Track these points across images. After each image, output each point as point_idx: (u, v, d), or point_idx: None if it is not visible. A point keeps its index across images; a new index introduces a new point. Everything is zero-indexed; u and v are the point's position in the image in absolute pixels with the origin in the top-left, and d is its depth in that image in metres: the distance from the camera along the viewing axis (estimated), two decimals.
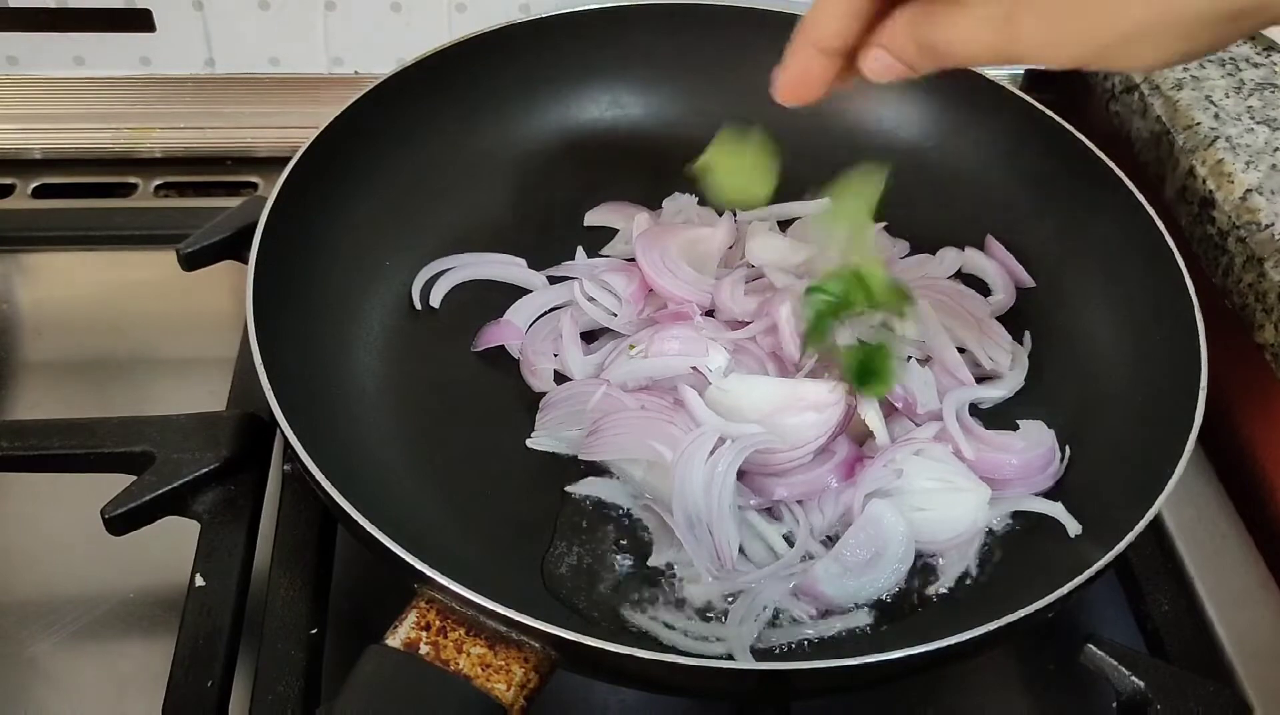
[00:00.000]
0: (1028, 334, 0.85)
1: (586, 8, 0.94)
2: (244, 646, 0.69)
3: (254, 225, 0.76)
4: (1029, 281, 0.88)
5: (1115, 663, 0.65)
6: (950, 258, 0.89)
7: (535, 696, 0.58)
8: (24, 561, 0.77)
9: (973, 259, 0.89)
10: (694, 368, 0.77)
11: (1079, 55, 0.54)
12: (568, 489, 0.75)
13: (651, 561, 0.71)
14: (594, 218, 0.93)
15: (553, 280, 0.87)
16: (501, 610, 0.58)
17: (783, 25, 0.95)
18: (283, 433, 0.65)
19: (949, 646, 0.59)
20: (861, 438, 0.76)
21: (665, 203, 0.93)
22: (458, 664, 0.58)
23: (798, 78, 0.64)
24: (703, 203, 0.93)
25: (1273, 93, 0.93)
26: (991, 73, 0.93)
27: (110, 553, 0.73)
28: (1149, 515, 0.65)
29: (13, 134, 1.04)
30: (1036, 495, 0.75)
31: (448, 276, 0.86)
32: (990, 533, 0.74)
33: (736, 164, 0.77)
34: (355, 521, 0.61)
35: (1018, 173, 0.91)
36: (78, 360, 0.90)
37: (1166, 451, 0.68)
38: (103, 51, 0.99)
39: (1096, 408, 0.79)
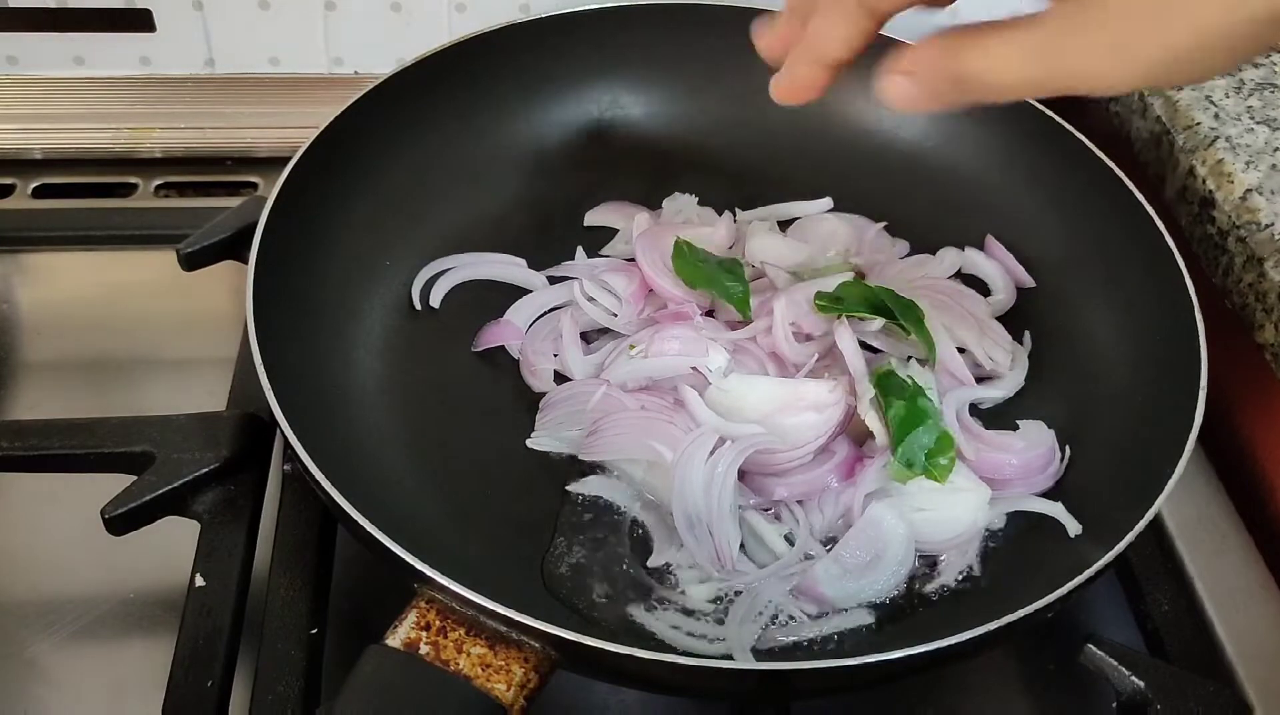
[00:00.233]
0: (1028, 334, 0.85)
1: (586, 8, 0.94)
2: (244, 646, 0.69)
3: (254, 225, 0.76)
4: (1029, 281, 0.88)
5: (1115, 663, 0.65)
6: (950, 258, 0.89)
7: (535, 696, 0.58)
8: (24, 561, 0.77)
9: (973, 259, 0.89)
10: (694, 368, 0.77)
11: (1140, 74, 0.48)
12: (568, 489, 0.75)
13: (651, 561, 0.71)
14: (594, 218, 0.93)
15: (553, 280, 0.87)
16: (501, 610, 0.58)
17: None
18: (283, 433, 0.65)
19: (949, 646, 0.59)
20: (861, 438, 0.76)
21: (665, 203, 0.93)
22: (458, 664, 0.58)
23: (797, 85, 0.62)
24: (703, 203, 0.93)
25: (1273, 93, 0.93)
26: None
27: (110, 553, 0.73)
28: (1149, 515, 0.65)
29: (13, 134, 1.04)
30: (1036, 495, 0.75)
31: (448, 276, 0.86)
32: (990, 533, 0.74)
33: None
34: (355, 521, 0.61)
35: (1018, 173, 0.91)
36: (78, 360, 0.90)
37: (1166, 451, 0.68)
38: (103, 51, 0.99)
39: (1096, 408, 0.79)
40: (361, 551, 0.63)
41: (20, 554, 0.78)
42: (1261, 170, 0.85)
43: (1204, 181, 0.86)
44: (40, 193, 1.02)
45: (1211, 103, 0.92)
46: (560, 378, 0.81)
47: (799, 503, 0.73)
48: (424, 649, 0.58)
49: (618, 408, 0.76)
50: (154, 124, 1.05)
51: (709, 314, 0.83)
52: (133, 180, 1.04)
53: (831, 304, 0.78)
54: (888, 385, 0.74)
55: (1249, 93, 0.93)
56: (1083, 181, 0.87)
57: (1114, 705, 0.65)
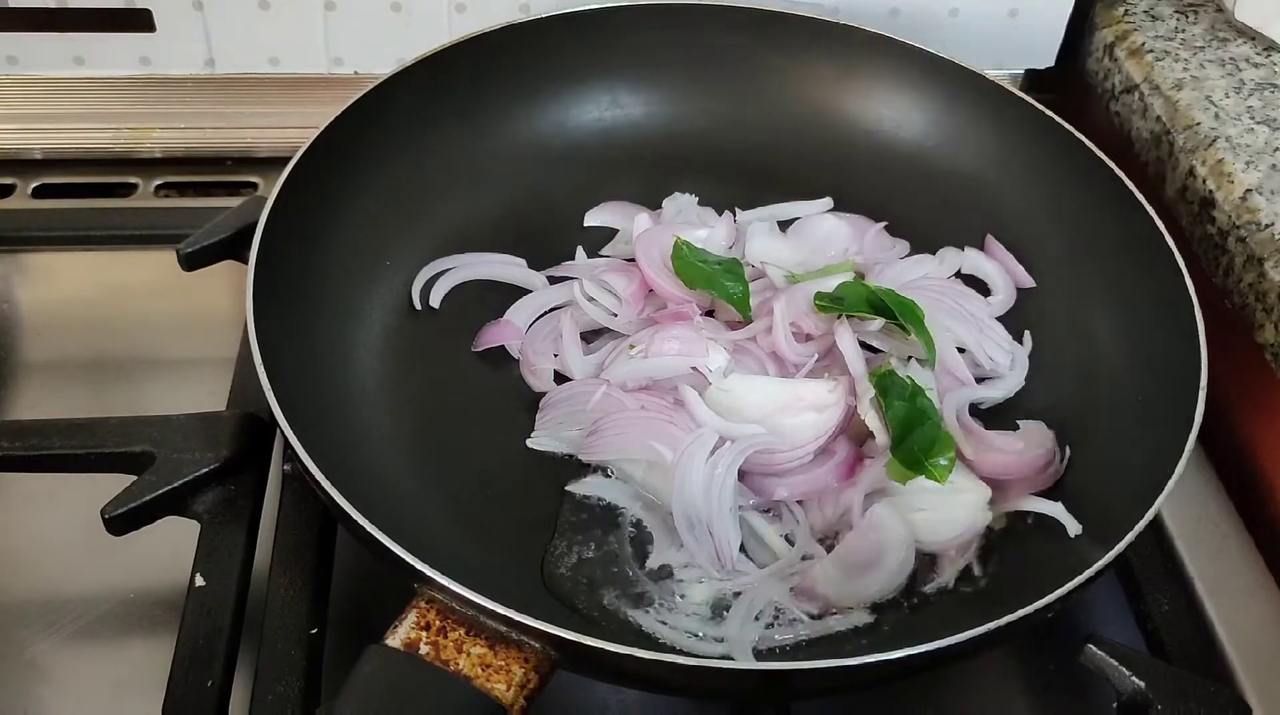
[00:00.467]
0: (1028, 334, 0.85)
1: (586, 8, 0.94)
2: (244, 646, 0.69)
3: (254, 225, 0.76)
4: (1029, 281, 0.88)
5: (1115, 663, 0.65)
6: (950, 258, 0.89)
7: (535, 696, 0.58)
8: (24, 561, 0.77)
9: (973, 259, 0.89)
10: (694, 368, 0.77)
11: None
12: (568, 489, 0.75)
13: (651, 561, 0.71)
14: (594, 218, 0.93)
15: (553, 280, 0.87)
16: (501, 610, 0.58)
17: (783, 26, 0.97)
18: (283, 433, 0.65)
19: (949, 646, 0.59)
20: (861, 438, 0.76)
21: (665, 203, 0.93)
22: (458, 664, 0.58)
23: None
24: (703, 203, 0.93)
25: (1273, 93, 0.93)
26: (992, 73, 0.94)
27: (110, 553, 0.73)
28: (1149, 515, 0.65)
29: (13, 134, 1.04)
30: (1036, 495, 0.75)
31: (448, 276, 0.86)
32: (990, 532, 0.74)
33: None
34: (355, 521, 0.61)
35: (1018, 173, 0.91)
36: (78, 360, 0.90)
37: (1166, 451, 0.68)
38: (103, 51, 0.99)
39: (1096, 408, 0.79)
40: (361, 551, 0.63)
41: (20, 554, 0.78)
42: (1261, 170, 0.85)
43: (1204, 181, 0.86)
44: (40, 193, 1.02)
45: (1211, 103, 0.92)
46: (560, 378, 0.81)
47: (799, 503, 0.73)
48: (424, 649, 0.58)
49: (618, 408, 0.76)
50: (154, 124, 1.05)
51: (709, 314, 0.83)
52: (133, 180, 1.04)
53: (831, 304, 0.78)
54: (888, 385, 0.74)
55: (1249, 93, 0.93)
56: (1083, 181, 0.87)
57: (1114, 705, 0.65)
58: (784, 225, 0.92)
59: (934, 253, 0.90)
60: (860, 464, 0.74)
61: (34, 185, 1.02)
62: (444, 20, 0.99)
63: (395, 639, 0.58)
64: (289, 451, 0.66)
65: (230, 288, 0.91)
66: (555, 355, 0.81)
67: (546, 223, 0.92)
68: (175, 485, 0.72)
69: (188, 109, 1.04)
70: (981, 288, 0.88)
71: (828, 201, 0.94)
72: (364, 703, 0.56)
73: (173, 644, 0.67)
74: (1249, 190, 0.83)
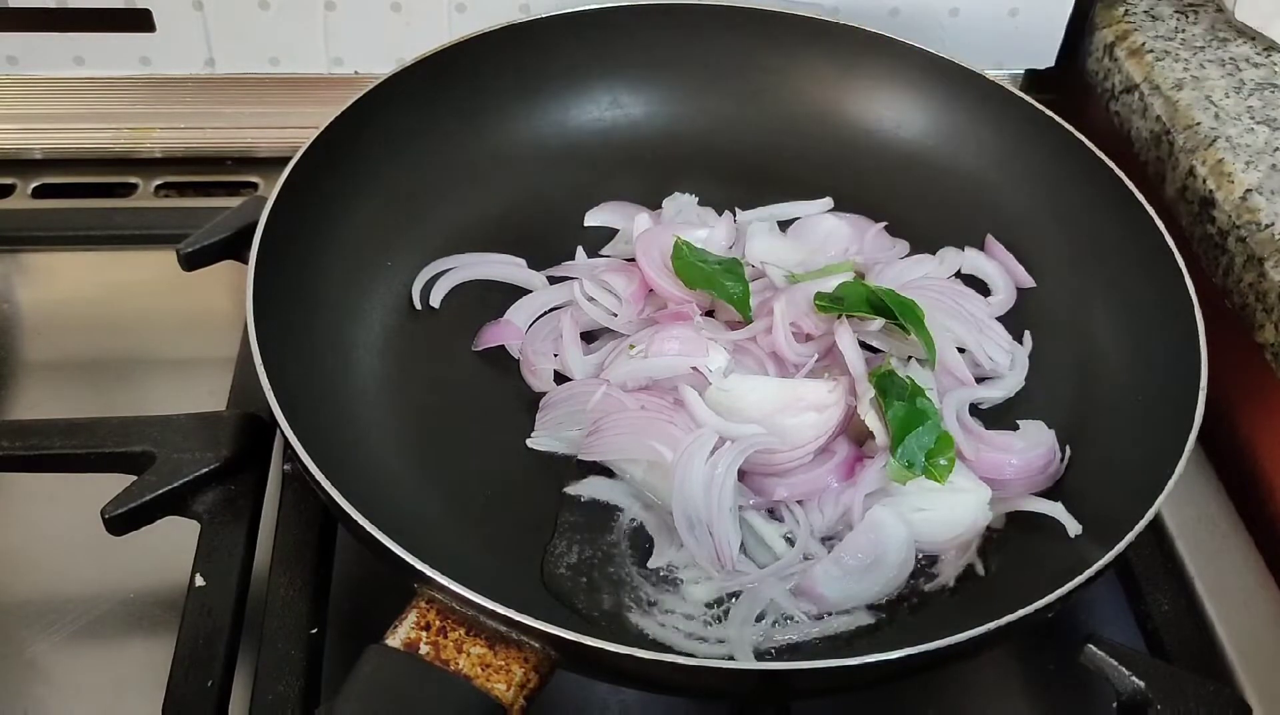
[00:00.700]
0: (1028, 334, 0.85)
1: (586, 8, 0.94)
2: (244, 646, 0.69)
3: (254, 225, 0.76)
4: (1029, 281, 0.88)
5: (1115, 663, 0.65)
6: (950, 258, 0.89)
7: (535, 696, 0.58)
8: (24, 561, 0.77)
9: (973, 259, 0.89)
10: (694, 368, 0.77)
11: None
12: (568, 489, 0.75)
13: (651, 562, 0.71)
14: (594, 218, 0.93)
15: (553, 280, 0.87)
16: (501, 610, 0.58)
17: (783, 26, 0.97)
18: (283, 433, 0.65)
19: (949, 646, 0.59)
20: (861, 438, 0.76)
21: (665, 203, 0.93)
22: (458, 664, 0.58)
23: None
24: (703, 203, 0.93)
25: (1273, 93, 0.93)
26: (992, 73, 0.94)
27: (110, 553, 0.73)
28: (1149, 515, 0.65)
29: (13, 134, 1.04)
30: (1036, 495, 0.75)
31: (448, 276, 0.86)
32: (990, 533, 0.74)
33: None
34: (355, 521, 0.61)
35: (1018, 173, 0.91)
36: (78, 360, 0.90)
37: (1166, 451, 0.68)
38: (103, 51, 0.99)
39: (1096, 408, 0.79)
40: (361, 551, 0.63)
41: (20, 554, 0.78)
42: (1261, 170, 0.85)
43: (1204, 181, 0.86)
44: (40, 193, 1.02)
45: (1211, 103, 0.92)
46: (560, 378, 0.81)
47: (799, 503, 0.73)
48: (424, 649, 0.58)
49: (618, 408, 0.76)
50: (154, 124, 1.05)
51: (709, 314, 0.83)
52: (133, 180, 1.04)
53: (831, 304, 0.78)
54: (888, 385, 0.74)
55: (1249, 93, 0.93)
56: (1083, 181, 0.87)
57: (1114, 705, 0.65)
58: (784, 225, 0.92)
59: (934, 253, 0.90)
60: (860, 464, 0.74)
61: (34, 185, 1.02)
62: (444, 20, 0.99)
63: (395, 639, 0.58)
64: (289, 451, 0.66)
65: (230, 288, 0.91)
66: (555, 355, 0.81)
67: (546, 223, 0.92)
68: (175, 485, 0.72)
69: (188, 109, 1.04)
70: (981, 288, 0.88)
71: (828, 201, 0.94)
72: (364, 703, 0.56)
73: (173, 644, 0.67)
74: (1249, 190, 0.83)
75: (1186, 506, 0.80)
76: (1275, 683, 0.71)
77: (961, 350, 0.81)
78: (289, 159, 0.80)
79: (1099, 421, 0.78)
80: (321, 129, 0.83)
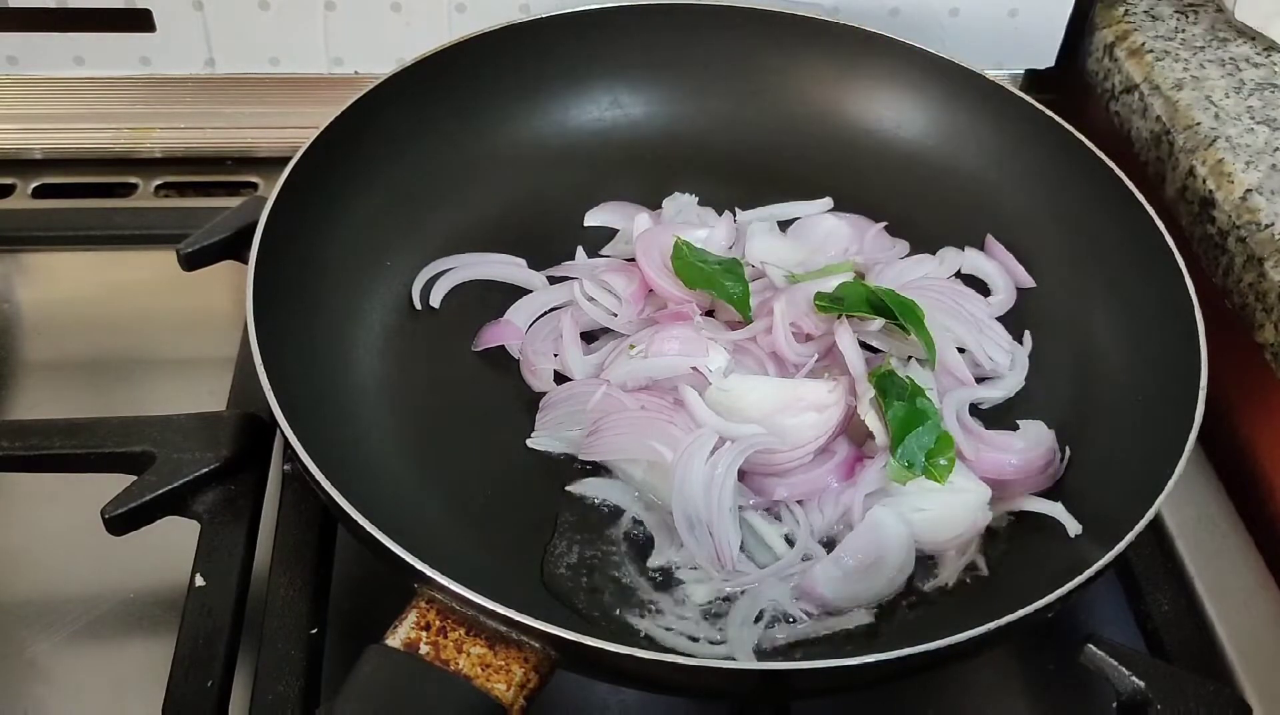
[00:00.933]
0: (1028, 334, 0.85)
1: (586, 8, 0.94)
2: (244, 646, 0.69)
3: (254, 225, 0.76)
4: (1029, 281, 0.88)
5: (1115, 663, 0.65)
6: (950, 258, 0.89)
7: (535, 696, 0.58)
8: (24, 561, 0.77)
9: (973, 259, 0.89)
10: (694, 368, 0.77)
11: None
12: (568, 489, 0.75)
13: (651, 562, 0.71)
14: (594, 218, 0.93)
15: (553, 280, 0.87)
16: (501, 610, 0.58)
17: (783, 26, 0.97)
18: (283, 433, 0.65)
19: (949, 646, 0.59)
20: (861, 438, 0.76)
21: (665, 203, 0.93)
22: (458, 664, 0.58)
23: None
24: (703, 203, 0.93)
25: (1273, 93, 0.93)
26: (992, 73, 0.94)
27: (110, 553, 0.73)
28: (1149, 515, 0.65)
29: (13, 134, 1.04)
30: (1036, 495, 0.75)
31: (448, 276, 0.86)
32: (990, 533, 0.74)
33: None
34: (355, 521, 0.61)
35: (1018, 173, 0.91)
36: (78, 360, 0.90)
37: (1166, 451, 0.68)
38: (103, 51, 0.99)
39: (1096, 408, 0.79)
40: (361, 551, 0.63)
41: (20, 554, 0.78)
42: (1261, 170, 0.85)
43: (1204, 181, 0.86)
44: (40, 193, 1.02)
45: (1211, 103, 0.92)
46: (560, 378, 0.81)
47: (799, 503, 0.73)
48: (424, 649, 0.58)
49: (618, 408, 0.76)
50: (154, 124, 1.05)
51: (709, 314, 0.83)
52: (133, 180, 1.04)
53: (831, 304, 0.78)
54: (888, 385, 0.74)
55: (1249, 93, 0.93)
56: (1083, 181, 0.87)
57: (1114, 705, 0.65)
58: (784, 225, 0.92)
59: (934, 253, 0.90)
60: (860, 464, 0.74)
61: (34, 185, 1.02)
62: (444, 20, 0.99)
63: (395, 639, 0.58)
64: (289, 451, 0.66)
65: (230, 288, 0.91)
66: (555, 355, 0.81)
67: (546, 223, 0.92)
68: (175, 485, 0.72)
69: (188, 109, 1.04)
70: (981, 288, 0.88)
71: (828, 201, 0.94)
72: (364, 703, 0.56)
73: (173, 644, 0.67)
74: (1249, 190, 0.83)
75: (1186, 506, 0.80)
76: (1275, 683, 0.71)
77: (961, 350, 0.81)
78: (289, 159, 0.80)
79: (1099, 421, 0.78)
80: (321, 129, 0.83)
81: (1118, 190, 0.83)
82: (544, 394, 0.80)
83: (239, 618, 0.69)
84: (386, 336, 0.82)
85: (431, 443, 0.77)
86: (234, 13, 0.98)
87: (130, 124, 1.04)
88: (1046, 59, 1.07)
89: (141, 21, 0.98)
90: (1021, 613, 0.60)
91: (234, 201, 0.87)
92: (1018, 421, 0.78)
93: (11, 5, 0.96)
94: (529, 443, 0.77)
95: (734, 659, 0.66)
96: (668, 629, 0.68)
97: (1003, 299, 0.87)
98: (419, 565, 0.59)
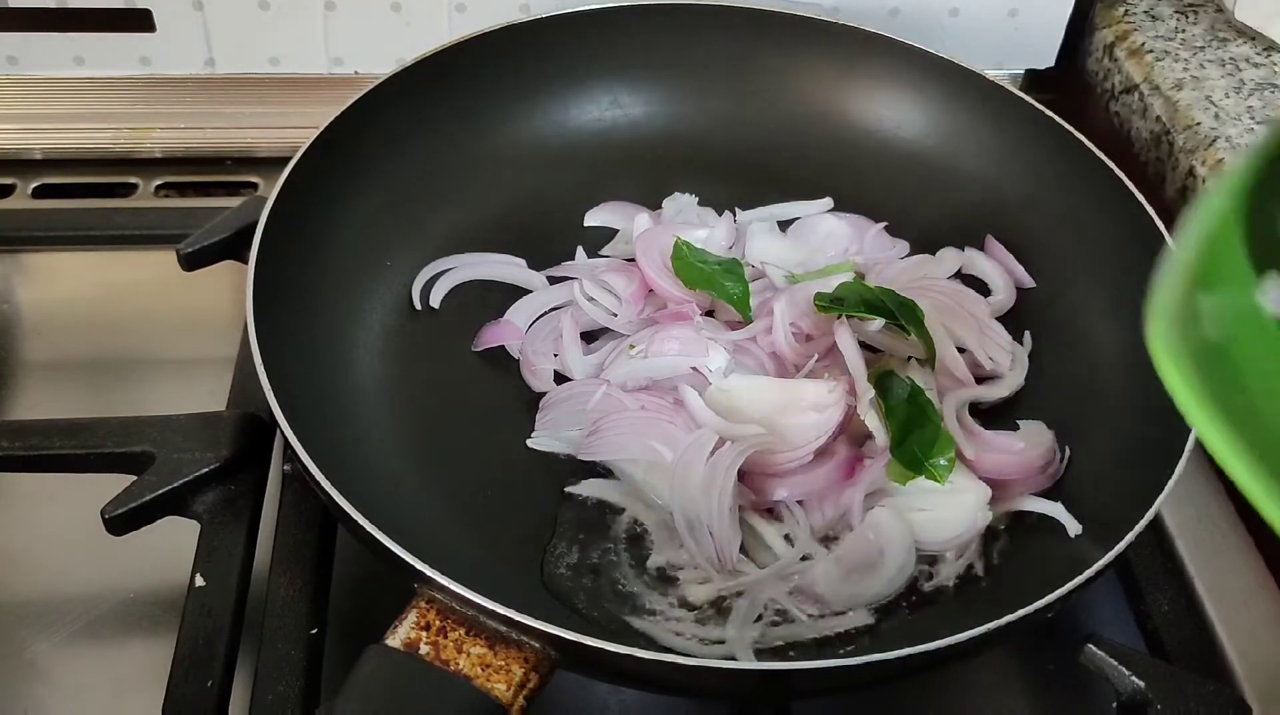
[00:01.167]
0: (1028, 334, 0.85)
1: (586, 8, 0.94)
2: (244, 646, 0.69)
3: (254, 225, 0.76)
4: (1029, 281, 0.88)
5: (1115, 663, 0.65)
6: (950, 258, 0.89)
7: (535, 696, 0.58)
8: (24, 561, 0.77)
9: (973, 259, 0.89)
10: (694, 368, 0.77)
11: None
12: (568, 489, 0.75)
13: (651, 562, 0.71)
14: (594, 218, 0.93)
15: (553, 280, 0.87)
16: (501, 610, 0.58)
17: (783, 26, 0.97)
18: (283, 433, 0.65)
19: (949, 646, 0.59)
20: (861, 438, 0.76)
21: (665, 203, 0.93)
22: (458, 664, 0.58)
23: None
24: (703, 203, 0.93)
25: (1273, 93, 0.93)
26: (992, 73, 0.94)
27: (110, 553, 0.73)
28: (1149, 515, 0.65)
29: (13, 134, 1.04)
30: (1036, 495, 0.75)
31: (448, 276, 0.86)
32: (990, 532, 0.74)
33: None
34: (355, 521, 0.61)
35: (1018, 173, 0.91)
36: (78, 360, 0.90)
37: (1166, 451, 0.68)
38: (103, 51, 0.99)
39: (1096, 408, 0.79)
40: (361, 551, 0.63)
41: (20, 554, 0.78)
42: None
43: (1204, 181, 0.86)
44: (40, 193, 1.02)
45: (1211, 103, 0.92)
46: (560, 378, 0.81)
47: (799, 503, 0.73)
48: (424, 649, 0.58)
49: (618, 408, 0.76)
50: (154, 124, 1.05)
51: (709, 314, 0.83)
52: (133, 180, 1.04)
53: (831, 304, 0.78)
54: (888, 385, 0.74)
55: (1249, 93, 0.93)
56: (1083, 181, 0.87)
57: (1114, 705, 0.65)
58: (784, 225, 0.92)
59: (934, 253, 0.90)
60: (860, 464, 0.74)
61: (34, 185, 1.02)
62: (444, 20, 0.99)
63: (395, 639, 0.58)
64: (289, 451, 0.66)
65: (230, 288, 0.91)
66: (555, 355, 0.81)
67: (546, 223, 0.92)
68: (175, 485, 0.72)
69: (188, 109, 1.04)
70: (981, 288, 0.88)
71: (828, 201, 0.94)
72: (364, 703, 0.56)
73: (173, 644, 0.67)
74: None
75: (1186, 506, 0.80)
76: (1275, 683, 0.71)
77: (961, 350, 0.81)
78: (289, 159, 0.80)
79: (1099, 421, 0.78)
80: (321, 129, 0.83)
81: (1118, 190, 0.83)
82: (544, 394, 0.80)
83: (239, 618, 0.69)
84: (386, 336, 0.82)
85: (431, 443, 0.77)
86: (234, 13, 0.98)
87: (130, 124, 1.04)
88: (1046, 59, 1.07)
89: (141, 21, 0.98)
90: (1021, 613, 0.60)
91: (234, 201, 0.87)
92: (1018, 421, 0.78)
93: (11, 5, 0.96)
94: (529, 443, 0.77)
95: (734, 659, 0.66)
96: (668, 629, 0.68)
97: (1003, 299, 0.87)
98: (419, 565, 0.59)
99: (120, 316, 0.94)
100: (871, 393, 0.74)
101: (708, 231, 0.88)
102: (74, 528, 0.75)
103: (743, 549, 0.71)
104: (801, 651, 0.68)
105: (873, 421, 0.73)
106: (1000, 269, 0.88)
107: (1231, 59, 0.97)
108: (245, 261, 0.74)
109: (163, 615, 0.73)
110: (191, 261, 0.83)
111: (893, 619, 0.70)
